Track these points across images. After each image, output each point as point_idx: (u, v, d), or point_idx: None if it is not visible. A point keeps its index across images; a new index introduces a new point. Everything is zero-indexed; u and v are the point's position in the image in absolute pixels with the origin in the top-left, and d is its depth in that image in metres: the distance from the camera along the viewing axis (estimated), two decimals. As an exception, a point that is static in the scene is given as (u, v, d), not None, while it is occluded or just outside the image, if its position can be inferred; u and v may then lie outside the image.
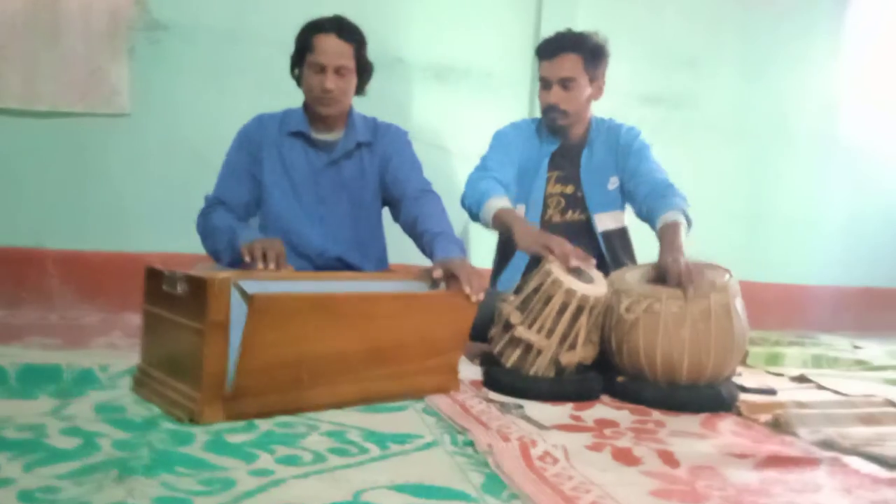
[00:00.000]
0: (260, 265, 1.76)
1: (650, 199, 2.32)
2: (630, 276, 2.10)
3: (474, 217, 2.37)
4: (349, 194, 2.23)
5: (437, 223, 2.07)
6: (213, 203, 2.15)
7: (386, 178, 2.24)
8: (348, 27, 2.12)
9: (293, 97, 2.24)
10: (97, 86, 2.94)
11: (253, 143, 2.20)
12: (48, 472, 1.15)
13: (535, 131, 2.53)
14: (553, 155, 2.49)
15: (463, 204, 2.41)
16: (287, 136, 2.20)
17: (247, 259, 1.79)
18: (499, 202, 2.26)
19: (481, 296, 1.81)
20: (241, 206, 2.18)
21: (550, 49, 2.37)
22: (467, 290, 1.79)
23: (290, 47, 2.16)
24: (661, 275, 2.04)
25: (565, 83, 2.36)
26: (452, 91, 3.40)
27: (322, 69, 2.09)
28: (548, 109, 2.40)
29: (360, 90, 2.22)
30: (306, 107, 2.21)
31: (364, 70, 2.18)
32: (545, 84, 2.39)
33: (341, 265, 2.20)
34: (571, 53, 2.35)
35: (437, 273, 1.84)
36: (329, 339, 1.61)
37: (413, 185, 2.20)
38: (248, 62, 3.07)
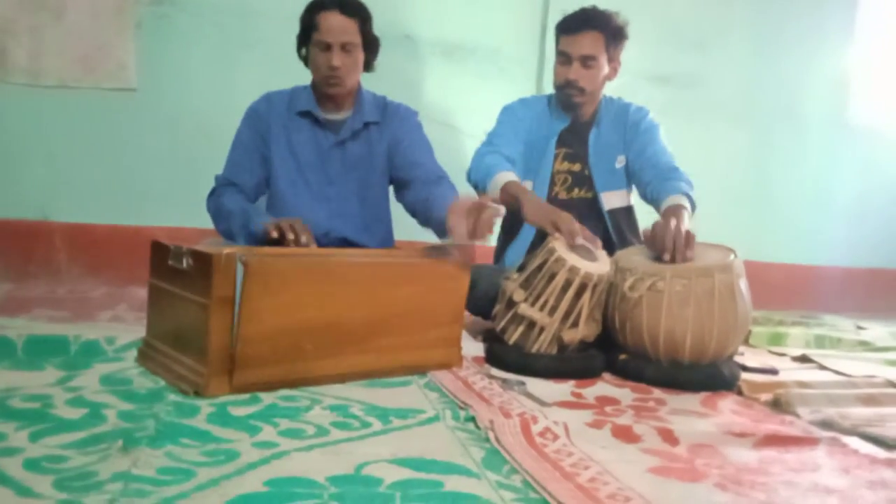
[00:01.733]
0: (290, 238, 1.80)
1: (655, 181, 2.32)
2: (636, 255, 2.10)
3: (481, 191, 2.36)
4: (357, 174, 2.23)
5: (448, 200, 2.06)
6: (224, 184, 2.15)
7: (396, 160, 2.23)
8: (352, 2, 2.11)
9: (301, 72, 2.24)
10: (104, 61, 2.94)
11: (261, 121, 2.19)
12: (54, 442, 1.17)
13: (545, 107, 2.52)
14: (561, 132, 2.48)
15: (469, 179, 2.40)
16: (295, 116, 2.19)
17: (274, 234, 1.83)
18: (506, 176, 2.25)
19: (501, 210, 1.79)
20: (252, 186, 2.18)
21: (574, 24, 2.35)
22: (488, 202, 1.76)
23: (296, 21, 2.15)
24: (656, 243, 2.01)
25: (586, 61, 2.34)
26: (460, 68, 3.38)
27: (328, 47, 2.08)
28: (565, 85, 2.38)
29: (367, 66, 2.20)
30: (314, 86, 2.20)
31: (370, 45, 2.17)
32: (565, 59, 2.36)
33: (347, 245, 2.21)
34: (595, 31, 2.33)
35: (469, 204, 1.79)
36: (327, 307, 1.62)
37: (427, 170, 2.19)
38: (255, 37, 3.06)
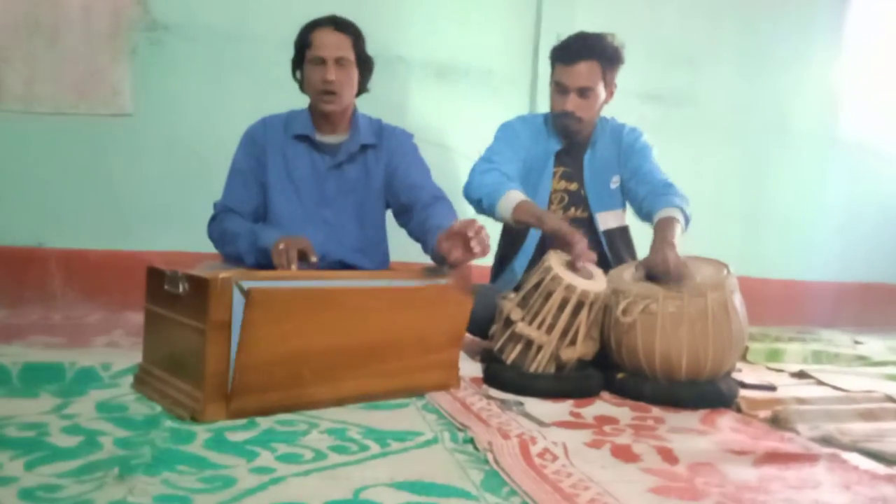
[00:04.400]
0: (280, 265, 1.81)
1: (650, 197, 2.32)
2: (627, 275, 2.10)
3: (483, 208, 2.32)
4: (354, 197, 2.23)
5: (444, 220, 2.06)
6: (223, 210, 2.16)
7: (394, 183, 2.23)
8: (344, 21, 2.15)
9: (295, 96, 2.24)
10: (98, 86, 2.95)
11: (258, 146, 2.20)
12: (50, 471, 1.16)
13: (542, 125, 2.52)
14: (558, 151, 2.48)
15: (468, 195, 2.37)
16: (291, 139, 2.20)
17: (277, 265, 1.84)
18: (518, 194, 2.23)
19: (481, 247, 1.77)
20: (251, 211, 2.18)
21: (570, 55, 2.32)
22: (470, 233, 1.74)
23: (290, 46, 2.16)
24: (650, 271, 2.04)
25: (584, 92, 2.33)
26: (453, 89, 3.40)
27: (322, 61, 2.10)
28: (562, 116, 2.36)
29: (362, 87, 2.22)
30: (311, 108, 2.21)
31: (364, 65, 2.19)
32: (562, 90, 2.35)
33: (343, 268, 2.20)
34: (591, 60, 2.31)
35: (457, 226, 1.79)
36: (327, 334, 1.62)
37: (427, 192, 2.19)
38: (249, 61, 3.08)
